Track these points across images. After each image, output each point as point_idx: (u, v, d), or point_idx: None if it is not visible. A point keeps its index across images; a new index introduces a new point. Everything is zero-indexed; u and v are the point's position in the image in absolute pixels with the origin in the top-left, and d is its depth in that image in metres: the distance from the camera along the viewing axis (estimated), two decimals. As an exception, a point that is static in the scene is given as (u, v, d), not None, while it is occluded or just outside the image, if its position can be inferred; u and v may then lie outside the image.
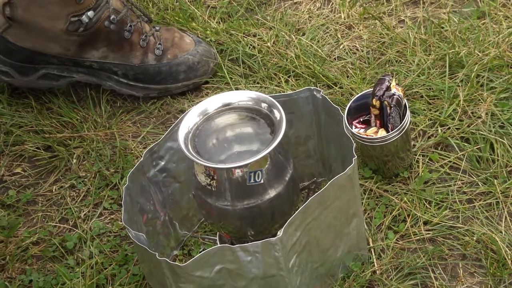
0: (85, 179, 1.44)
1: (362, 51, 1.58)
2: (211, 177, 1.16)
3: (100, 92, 1.57)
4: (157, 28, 1.59)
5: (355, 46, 1.59)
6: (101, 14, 1.52)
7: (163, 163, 1.27)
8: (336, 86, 1.51)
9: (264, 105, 1.19)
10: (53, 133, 1.51)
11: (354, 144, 1.17)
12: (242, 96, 1.21)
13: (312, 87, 1.26)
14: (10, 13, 1.51)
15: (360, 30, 1.62)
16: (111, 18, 1.52)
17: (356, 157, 1.16)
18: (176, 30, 1.61)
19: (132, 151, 1.47)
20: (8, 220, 1.38)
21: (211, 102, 1.21)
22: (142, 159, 1.23)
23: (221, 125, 1.21)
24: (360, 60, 1.56)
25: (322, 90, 1.26)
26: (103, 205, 1.39)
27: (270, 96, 1.19)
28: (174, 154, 1.27)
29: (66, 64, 1.55)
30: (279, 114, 1.17)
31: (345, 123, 1.28)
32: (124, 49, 1.55)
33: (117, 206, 1.39)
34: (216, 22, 1.67)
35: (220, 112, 1.21)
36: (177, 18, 1.68)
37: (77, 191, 1.43)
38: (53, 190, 1.43)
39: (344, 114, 1.30)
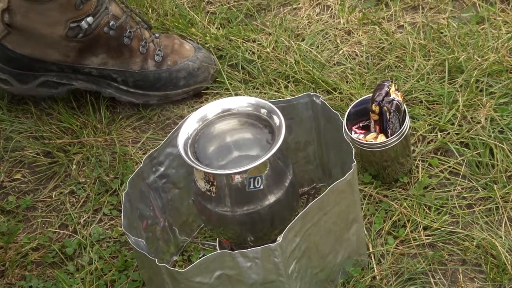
0: (85, 185, 1.44)
1: (362, 57, 1.58)
2: (210, 183, 1.16)
3: (99, 98, 1.57)
4: (156, 35, 1.59)
5: (355, 51, 1.60)
6: (101, 20, 1.52)
7: (162, 169, 1.27)
8: (335, 91, 1.51)
9: (263, 111, 1.19)
10: (52, 139, 1.51)
11: (354, 150, 1.17)
12: (242, 102, 1.21)
13: (311, 93, 1.26)
14: (9, 19, 1.51)
15: (359, 36, 1.62)
16: (111, 24, 1.52)
17: (355, 162, 1.16)
18: (176, 37, 1.61)
19: (132, 157, 1.47)
20: (8, 226, 1.38)
21: (211, 108, 1.21)
22: (141, 165, 1.23)
23: (220, 131, 1.21)
24: (360, 66, 1.56)
25: (321, 96, 1.26)
26: (102, 211, 1.39)
27: (269, 101, 1.19)
28: (174, 160, 1.27)
29: (66, 71, 1.55)
30: (278, 120, 1.17)
31: (345, 129, 1.28)
32: (124, 55, 1.55)
33: (116, 212, 1.39)
34: (216, 28, 1.68)
35: (219, 118, 1.21)
36: (176, 24, 1.68)
37: (76, 197, 1.43)
38: (53, 196, 1.43)
39: (343, 119, 1.30)
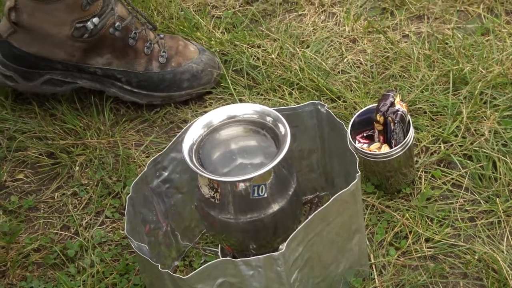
0: (88, 187, 1.44)
1: (366, 65, 1.58)
2: (214, 189, 1.16)
3: (103, 100, 1.57)
4: (161, 36, 1.59)
5: (359, 60, 1.60)
6: (106, 21, 1.52)
7: (166, 173, 1.27)
8: (339, 99, 1.51)
9: (269, 118, 1.20)
10: (56, 140, 1.51)
11: (358, 160, 1.18)
12: (247, 109, 1.21)
13: (316, 101, 1.26)
14: (15, 18, 1.51)
15: (364, 44, 1.62)
16: (116, 25, 1.53)
17: (359, 173, 1.16)
18: (181, 38, 1.62)
19: (135, 160, 1.47)
20: (10, 226, 1.38)
21: (216, 114, 1.22)
22: (145, 169, 1.23)
23: (225, 137, 1.21)
24: (364, 74, 1.56)
25: (326, 105, 1.26)
26: (105, 213, 1.39)
27: (274, 109, 1.19)
28: (178, 165, 1.27)
29: (70, 70, 1.55)
30: (283, 128, 1.17)
31: (349, 139, 1.28)
32: (129, 56, 1.55)
33: (119, 215, 1.39)
34: (221, 32, 1.68)
35: (224, 125, 1.21)
36: (181, 27, 1.68)
37: (79, 198, 1.43)
38: (55, 197, 1.43)
39: (348, 129, 1.30)
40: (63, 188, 1.45)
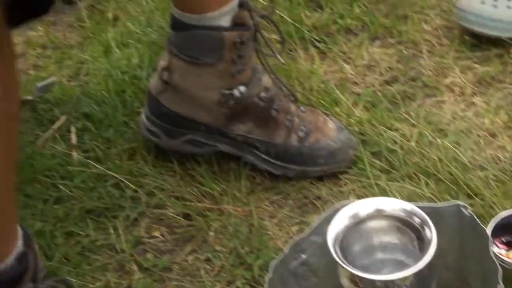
0: (221, 254, 1.47)
1: (505, 163, 1.57)
2: (355, 283, 1.18)
3: (241, 166, 1.61)
4: (302, 109, 1.63)
5: (498, 156, 1.59)
6: (253, 90, 1.56)
7: (305, 256, 1.29)
8: (476, 196, 1.51)
9: (416, 219, 1.21)
10: (193, 202, 1.55)
11: (501, 270, 1.17)
12: (396, 206, 1.23)
13: (459, 203, 1.26)
14: (167, 77, 1.58)
15: (503, 139, 1.62)
16: (261, 95, 1.57)
17: (502, 285, 1.15)
18: (320, 114, 1.65)
19: (268, 232, 1.49)
20: (144, 284, 1.42)
21: (363, 206, 1.24)
22: (286, 251, 1.26)
23: (369, 230, 1.23)
24: (502, 172, 1.55)
25: (470, 208, 1.26)
26: (236, 284, 1.42)
27: (416, 204, 1.20)
28: (317, 249, 1.29)
29: (212, 133, 1.60)
30: (430, 232, 1.18)
31: (491, 249, 1.28)
32: (270, 126, 1.59)
33: (249, 287, 1.41)
34: (360, 110, 1.70)
35: (370, 217, 1.23)
36: (321, 101, 1.71)
37: (212, 265, 1.46)
38: (189, 260, 1.47)
39: (489, 235, 1.29)
40: (197, 252, 1.48)
